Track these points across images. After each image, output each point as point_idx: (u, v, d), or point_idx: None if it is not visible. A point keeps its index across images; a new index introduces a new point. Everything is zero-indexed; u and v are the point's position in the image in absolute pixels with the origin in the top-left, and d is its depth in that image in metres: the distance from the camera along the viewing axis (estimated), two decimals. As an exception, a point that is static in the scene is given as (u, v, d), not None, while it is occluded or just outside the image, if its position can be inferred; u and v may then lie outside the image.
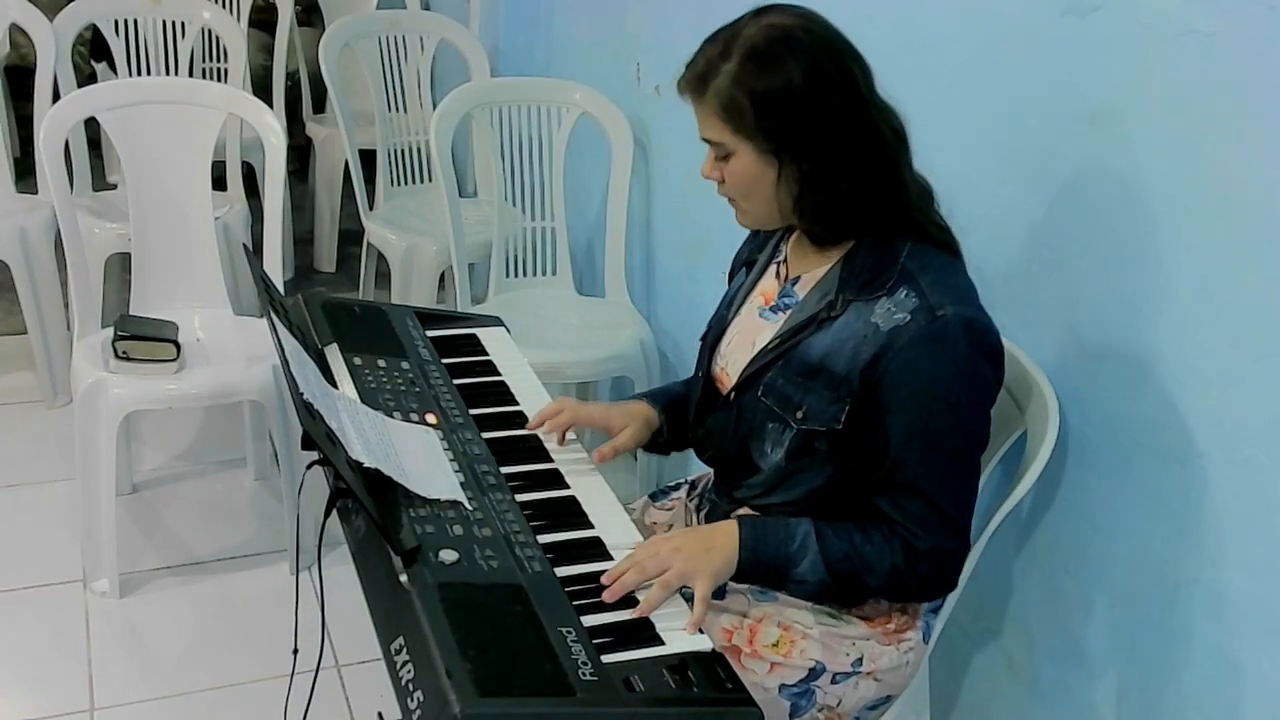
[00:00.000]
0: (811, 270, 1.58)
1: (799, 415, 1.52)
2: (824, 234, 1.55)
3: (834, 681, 1.56)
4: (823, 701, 1.56)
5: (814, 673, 1.55)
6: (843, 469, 1.53)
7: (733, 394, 1.61)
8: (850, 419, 1.49)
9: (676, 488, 1.85)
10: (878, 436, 1.48)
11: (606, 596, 1.40)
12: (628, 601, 1.41)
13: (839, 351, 1.49)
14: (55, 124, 2.60)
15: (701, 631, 1.38)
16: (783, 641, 1.56)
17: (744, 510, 1.63)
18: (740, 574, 1.50)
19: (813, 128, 1.44)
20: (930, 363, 1.43)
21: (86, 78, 3.89)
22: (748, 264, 1.73)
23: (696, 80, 1.48)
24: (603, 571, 1.44)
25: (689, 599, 1.42)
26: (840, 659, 1.56)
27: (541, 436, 1.72)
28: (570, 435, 1.73)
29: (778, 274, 1.64)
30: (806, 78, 1.43)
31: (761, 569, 1.51)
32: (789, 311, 1.58)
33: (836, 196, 1.48)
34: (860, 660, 1.57)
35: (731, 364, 1.64)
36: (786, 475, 1.56)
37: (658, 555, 1.44)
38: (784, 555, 1.49)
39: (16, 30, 3.35)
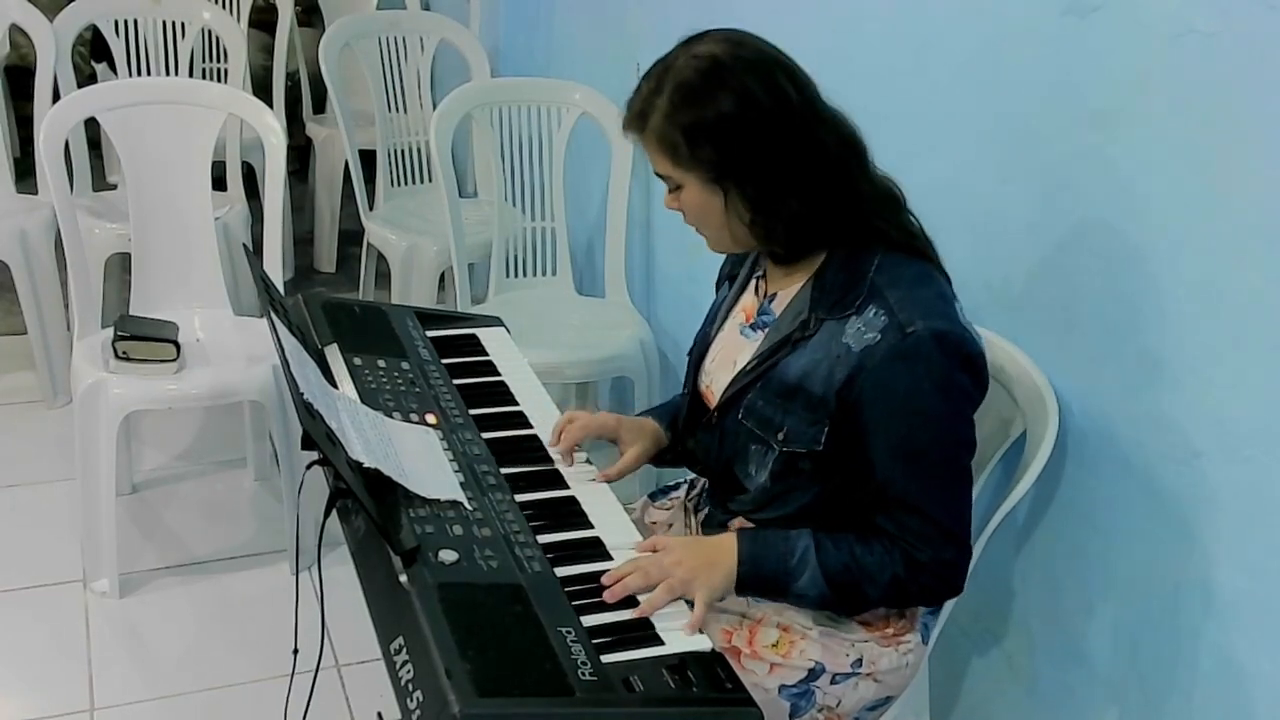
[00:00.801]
0: (786, 287, 1.57)
1: (780, 437, 1.52)
2: (785, 253, 1.54)
3: (833, 682, 1.56)
4: (822, 702, 1.56)
5: (813, 673, 1.55)
6: (829, 486, 1.52)
7: (715, 415, 1.61)
8: (830, 439, 1.48)
9: (676, 487, 1.85)
10: (862, 457, 1.47)
11: (608, 597, 1.41)
12: (627, 602, 1.41)
13: (814, 372, 1.48)
14: (55, 124, 2.60)
15: (701, 632, 1.39)
16: (782, 642, 1.56)
17: (739, 521, 1.63)
18: (740, 588, 1.51)
19: (750, 152, 1.44)
20: (904, 380, 1.42)
21: (86, 78, 3.89)
22: (730, 278, 1.73)
23: (636, 118, 1.50)
24: (602, 572, 1.44)
25: (689, 602, 1.43)
26: (840, 660, 1.56)
27: (553, 454, 1.70)
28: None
29: (757, 290, 1.64)
30: (737, 105, 1.43)
31: (762, 584, 1.51)
32: (766, 330, 1.58)
33: (787, 216, 1.48)
34: (860, 661, 1.57)
35: (715, 382, 1.64)
36: (774, 496, 1.56)
37: (660, 564, 1.45)
38: (784, 570, 1.49)
39: (16, 30, 3.35)
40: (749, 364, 1.56)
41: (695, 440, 1.68)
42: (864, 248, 1.49)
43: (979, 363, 1.48)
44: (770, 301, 1.59)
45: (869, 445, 1.46)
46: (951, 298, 1.50)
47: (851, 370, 1.44)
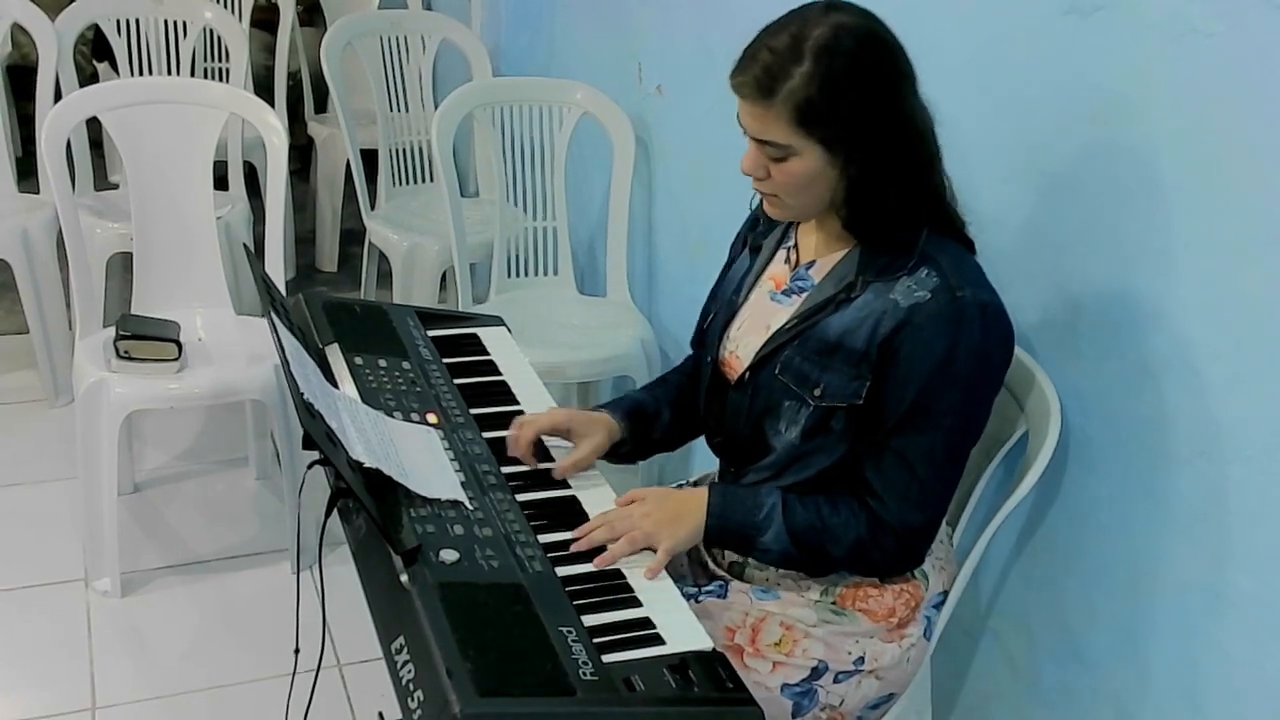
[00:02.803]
0: (826, 255, 1.59)
1: (816, 392, 1.54)
2: (860, 229, 1.54)
3: (836, 680, 1.56)
4: (825, 701, 1.57)
5: (816, 672, 1.56)
6: (854, 449, 1.54)
7: (748, 374, 1.62)
8: (869, 395, 1.51)
9: (678, 489, 1.85)
10: (885, 407, 1.50)
11: (575, 548, 1.47)
12: (623, 594, 1.42)
13: (858, 329, 1.50)
14: (57, 123, 2.60)
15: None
16: (785, 640, 1.56)
17: None
18: (707, 540, 1.57)
19: (881, 129, 1.45)
20: (945, 342, 1.46)
21: (88, 77, 3.89)
22: (752, 249, 1.73)
23: (765, 80, 1.43)
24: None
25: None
26: (842, 657, 1.56)
27: (522, 457, 1.67)
28: (554, 440, 1.71)
29: (788, 259, 1.65)
30: (880, 79, 1.44)
31: (728, 536, 1.57)
32: (804, 294, 1.59)
33: (886, 198, 1.49)
34: (862, 659, 1.57)
35: (742, 347, 1.64)
36: (799, 456, 1.58)
37: (629, 517, 1.50)
38: (750, 524, 1.54)
39: (18, 30, 3.35)
40: (788, 323, 1.58)
41: (716, 409, 1.69)
42: (914, 223, 1.52)
43: (1010, 342, 1.53)
44: (807, 269, 1.61)
45: (894, 394, 1.49)
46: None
47: (898, 323, 1.47)
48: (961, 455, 1.54)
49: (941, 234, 1.53)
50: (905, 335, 1.47)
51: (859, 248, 1.55)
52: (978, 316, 1.46)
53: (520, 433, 1.66)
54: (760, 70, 1.43)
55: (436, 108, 2.96)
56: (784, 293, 1.63)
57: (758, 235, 1.73)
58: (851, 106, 1.42)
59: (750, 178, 1.53)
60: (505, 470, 1.61)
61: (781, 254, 1.67)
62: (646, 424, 1.76)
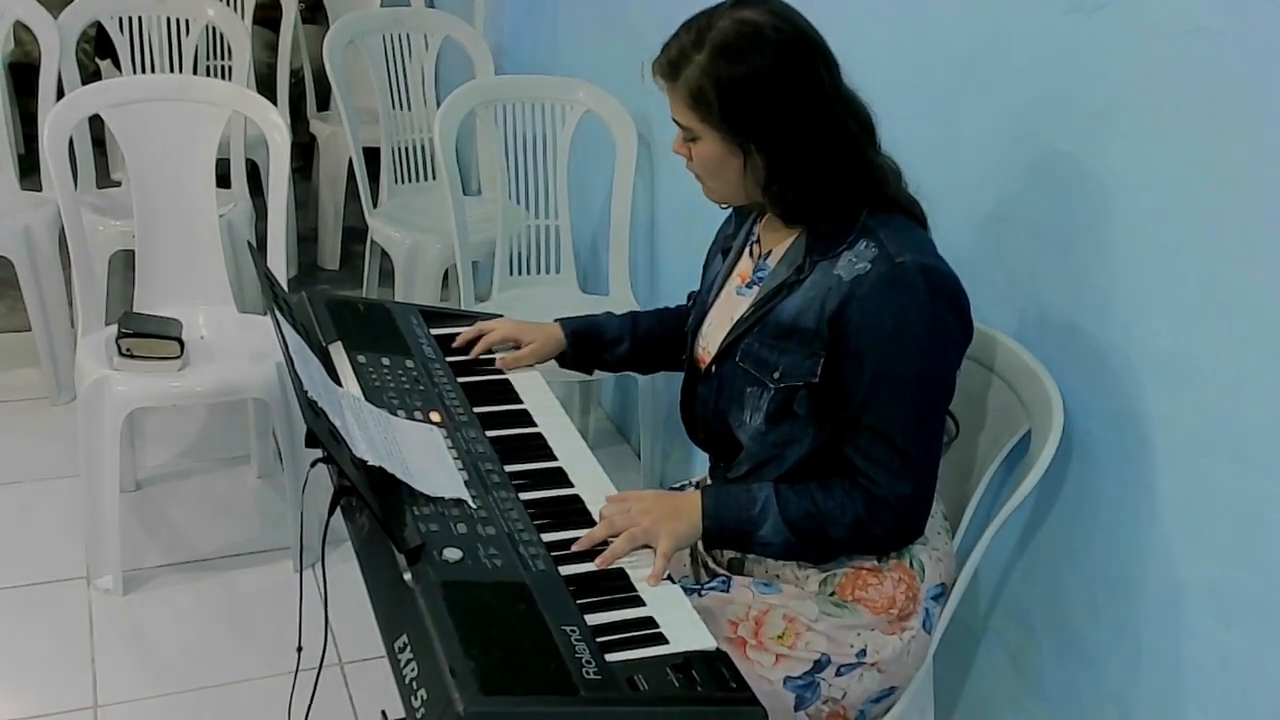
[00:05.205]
0: (780, 243, 1.63)
1: (775, 375, 1.57)
2: (790, 216, 1.59)
3: (839, 673, 1.57)
4: (827, 694, 1.57)
5: (819, 664, 1.56)
6: (824, 430, 1.56)
7: (713, 366, 1.65)
8: (825, 371, 1.53)
9: (681, 489, 1.85)
10: (847, 384, 1.52)
11: (577, 547, 1.47)
12: (626, 593, 1.42)
13: (808, 309, 1.53)
14: (59, 121, 2.60)
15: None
16: (788, 633, 1.57)
17: None
18: (706, 541, 1.59)
19: (778, 122, 1.49)
20: (892, 308, 1.48)
21: (91, 75, 3.89)
22: (724, 250, 1.77)
23: (668, 66, 1.54)
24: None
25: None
26: (844, 650, 1.57)
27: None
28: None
29: (751, 253, 1.69)
30: (773, 74, 1.47)
31: (726, 535, 1.58)
32: (762, 284, 1.62)
33: (801, 187, 1.53)
34: (864, 651, 1.57)
35: (711, 342, 1.69)
36: (771, 448, 1.59)
37: (627, 513, 1.51)
38: (746, 520, 1.55)
39: (21, 27, 3.35)
40: (746, 312, 1.62)
41: (696, 395, 1.72)
42: (850, 205, 1.55)
43: (962, 303, 1.54)
44: (766, 259, 1.65)
45: (854, 371, 1.51)
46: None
47: (843, 299, 1.50)
48: (936, 419, 1.56)
49: (885, 212, 1.55)
50: (853, 309, 1.49)
51: (806, 231, 1.58)
52: (920, 280, 1.48)
53: (478, 345, 1.87)
54: (667, 57, 1.54)
55: (439, 105, 2.96)
56: (748, 285, 1.67)
57: (728, 236, 1.78)
58: (742, 103, 1.48)
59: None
60: (508, 469, 1.61)
61: (747, 249, 1.71)
62: (596, 346, 1.91)
